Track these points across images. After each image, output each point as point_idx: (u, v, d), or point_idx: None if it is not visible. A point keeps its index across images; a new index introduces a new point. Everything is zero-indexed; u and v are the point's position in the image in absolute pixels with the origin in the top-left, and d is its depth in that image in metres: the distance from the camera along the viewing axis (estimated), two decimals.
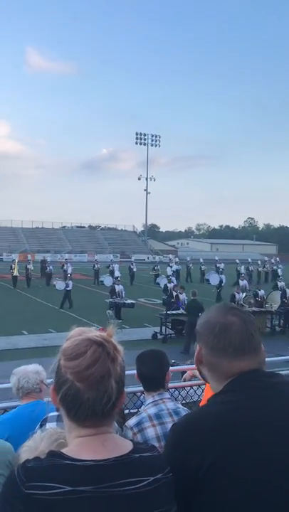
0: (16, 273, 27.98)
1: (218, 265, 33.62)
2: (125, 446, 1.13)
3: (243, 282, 21.77)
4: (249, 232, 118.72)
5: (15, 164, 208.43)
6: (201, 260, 37.89)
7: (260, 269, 35.44)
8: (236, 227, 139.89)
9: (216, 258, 38.52)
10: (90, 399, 1.08)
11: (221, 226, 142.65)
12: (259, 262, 38.13)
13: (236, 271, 33.98)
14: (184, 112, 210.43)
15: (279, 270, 31.51)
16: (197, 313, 14.55)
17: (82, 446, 1.09)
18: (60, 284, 21.87)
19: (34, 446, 1.40)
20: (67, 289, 20.56)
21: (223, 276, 24.50)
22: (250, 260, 38.71)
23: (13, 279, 27.87)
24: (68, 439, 1.16)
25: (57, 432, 1.42)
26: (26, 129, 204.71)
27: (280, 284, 21.49)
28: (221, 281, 22.82)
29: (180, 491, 1.16)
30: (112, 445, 1.11)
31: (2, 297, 23.44)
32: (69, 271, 24.74)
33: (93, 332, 1.16)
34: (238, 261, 36.36)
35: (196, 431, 1.21)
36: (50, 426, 1.98)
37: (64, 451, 1.10)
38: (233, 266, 36.16)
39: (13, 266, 28.48)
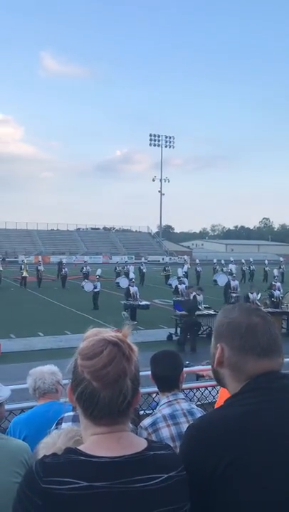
0: (25, 274, 28.80)
1: (229, 266, 33.38)
2: (140, 444, 1.16)
3: (234, 283, 21.67)
4: (264, 233, 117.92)
5: (29, 167, 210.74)
6: (215, 261, 37.71)
7: (266, 268, 35.04)
8: (251, 227, 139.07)
9: (231, 259, 38.29)
10: (106, 398, 1.11)
11: (236, 227, 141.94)
12: (266, 262, 37.61)
13: (241, 271, 33.81)
14: (197, 112, 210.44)
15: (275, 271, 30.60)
16: (193, 313, 14.74)
17: (97, 444, 1.12)
18: (88, 286, 21.92)
19: (51, 442, 1.44)
20: (96, 290, 20.71)
21: (230, 277, 24.18)
22: (266, 262, 38.25)
23: (22, 280, 28.74)
24: (84, 436, 1.19)
25: (74, 430, 1.46)
26: (40, 132, 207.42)
27: None
28: (228, 283, 22.58)
29: (195, 492, 1.17)
30: (127, 443, 1.13)
31: (17, 299, 23.74)
32: (98, 272, 24.65)
33: (109, 332, 1.19)
34: (243, 261, 36.16)
35: (213, 433, 1.21)
36: (66, 425, 2.02)
37: (80, 448, 1.13)
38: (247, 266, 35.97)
39: (23, 267, 29.36)
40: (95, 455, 1.08)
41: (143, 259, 38.58)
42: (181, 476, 1.14)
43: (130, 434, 1.18)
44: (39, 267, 29.74)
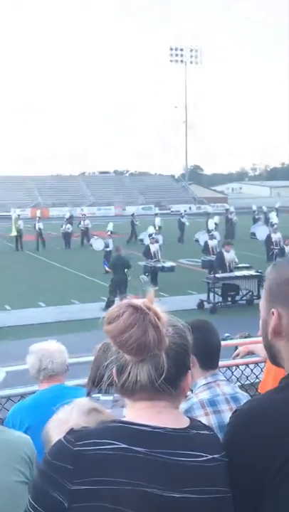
0: (14, 232, 28.83)
1: (270, 215, 32.77)
2: (183, 421, 1.27)
3: (276, 236, 21.52)
4: None
5: None
6: (254, 208, 37.03)
7: None
8: None
9: (277, 205, 37.59)
10: (139, 373, 1.23)
11: (283, 164, 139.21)
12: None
13: (253, 219, 33.62)
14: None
15: None
16: (122, 271, 14.98)
17: (136, 417, 1.24)
18: (98, 244, 22.00)
19: (64, 418, 1.53)
20: (107, 249, 20.85)
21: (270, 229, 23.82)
22: None
23: (15, 240, 28.84)
24: (127, 411, 1.33)
25: (87, 402, 1.52)
26: None
27: None
28: (269, 236, 22.23)
29: (243, 489, 1.20)
30: (168, 417, 1.25)
31: (11, 262, 24.10)
32: (109, 227, 24.51)
33: (135, 299, 1.28)
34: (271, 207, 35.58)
35: (267, 421, 1.22)
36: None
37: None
38: None
39: (12, 224, 29.22)
40: (136, 422, 1.21)
41: (183, 211, 37.40)
42: (224, 461, 1.23)
43: (172, 411, 1.28)
44: (38, 224, 29.40)
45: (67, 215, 33.31)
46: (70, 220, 32.04)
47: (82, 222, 30.82)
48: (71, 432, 1.22)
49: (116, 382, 1.29)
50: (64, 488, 1.15)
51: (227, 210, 35.56)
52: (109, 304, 14.16)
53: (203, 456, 1.20)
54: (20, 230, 29.03)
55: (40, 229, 29.33)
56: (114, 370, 1.29)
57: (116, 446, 1.15)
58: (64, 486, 1.15)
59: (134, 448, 1.15)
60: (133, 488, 1.12)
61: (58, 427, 1.53)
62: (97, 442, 1.16)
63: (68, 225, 30.12)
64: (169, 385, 1.24)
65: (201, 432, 1.27)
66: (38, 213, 32.89)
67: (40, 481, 1.21)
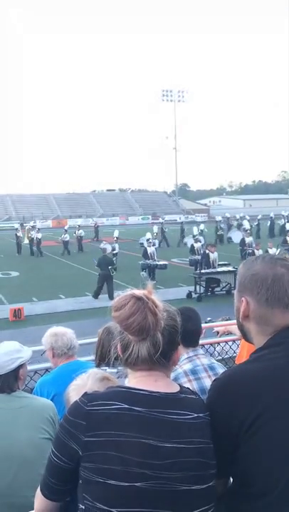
0: (26, 241, 28.04)
1: (243, 222, 32.71)
2: (174, 387, 1.30)
3: (248, 239, 21.36)
4: (283, 186, 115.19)
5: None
6: (228, 216, 37.14)
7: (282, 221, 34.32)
8: (269, 181, 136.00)
9: (242, 215, 37.51)
10: (139, 347, 1.25)
11: (254, 181, 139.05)
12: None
13: (227, 226, 33.46)
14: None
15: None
16: (107, 267, 15.29)
17: (137, 383, 1.27)
18: (106, 247, 22.03)
19: (82, 384, 1.56)
20: (114, 252, 20.86)
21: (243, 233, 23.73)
22: (284, 213, 37.63)
23: (29, 246, 27.61)
24: (128, 380, 1.34)
25: (100, 371, 1.56)
26: None
27: None
28: (243, 239, 22.27)
29: (221, 442, 1.21)
30: (163, 384, 1.28)
31: (36, 264, 24.01)
32: (115, 234, 24.49)
33: (137, 290, 1.29)
34: (243, 215, 35.36)
35: (240, 387, 1.22)
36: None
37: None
38: (265, 221, 35.44)
39: (22, 231, 28.11)
40: (136, 387, 1.24)
41: (160, 220, 37.54)
42: (207, 419, 1.25)
43: (166, 379, 1.31)
44: (78, 232, 28.84)
45: (79, 222, 33.13)
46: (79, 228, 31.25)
47: (76, 232, 29.40)
48: (85, 394, 1.25)
49: (121, 357, 1.31)
50: (79, 440, 1.18)
51: (218, 221, 34.73)
52: (97, 291, 15.14)
53: (190, 415, 1.22)
54: (32, 239, 27.76)
55: (80, 236, 28.61)
56: (119, 348, 1.31)
57: (120, 406, 1.18)
58: (79, 438, 1.18)
59: (135, 408, 1.18)
60: (133, 440, 1.14)
61: (76, 390, 1.56)
62: (104, 403, 1.19)
63: (81, 231, 29.41)
64: (163, 358, 1.27)
65: (189, 396, 1.29)
66: (79, 222, 32.94)
67: (60, 434, 1.23)
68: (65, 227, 30.55)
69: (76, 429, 1.19)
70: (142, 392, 1.22)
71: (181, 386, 1.32)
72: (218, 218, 35.53)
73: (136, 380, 1.28)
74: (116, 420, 1.16)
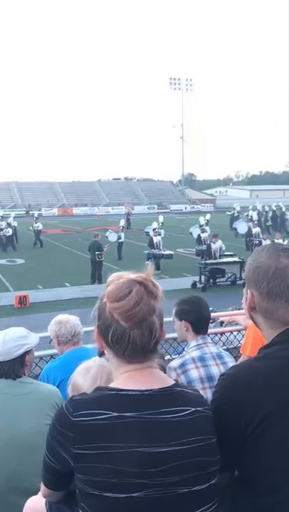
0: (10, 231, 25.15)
1: (250, 212, 32.40)
2: (168, 380, 1.21)
3: (256, 230, 21.18)
4: None
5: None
6: (234, 206, 36.88)
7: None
8: (277, 172, 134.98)
9: (257, 204, 37.25)
10: (137, 336, 1.14)
11: (261, 172, 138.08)
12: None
13: (231, 216, 33.00)
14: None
15: None
16: (94, 252, 16.25)
17: (129, 379, 1.17)
18: (112, 236, 22.07)
19: (87, 367, 1.61)
20: (120, 240, 20.96)
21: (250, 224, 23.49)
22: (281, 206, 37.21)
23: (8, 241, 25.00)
24: (116, 375, 1.22)
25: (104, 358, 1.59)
26: None
27: None
28: (249, 230, 22.10)
29: (227, 441, 1.18)
30: (156, 378, 1.19)
31: (42, 252, 24.03)
32: (121, 223, 24.50)
33: (131, 274, 1.20)
34: (254, 205, 34.99)
35: (248, 385, 1.20)
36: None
37: (111, 385, 1.18)
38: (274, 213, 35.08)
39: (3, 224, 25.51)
40: (126, 389, 1.14)
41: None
42: (207, 413, 1.18)
43: (159, 371, 1.23)
44: (36, 225, 26.11)
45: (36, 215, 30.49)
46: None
47: (33, 225, 26.71)
48: (71, 400, 1.16)
49: (113, 350, 1.19)
50: (69, 451, 1.11)
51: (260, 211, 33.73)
52: (92, 275, 16.41)
53: (186, 410, 1.14)
54: (38, 231, 26.17)
55: (38, 230, 26.06)
56: (109, 340, 1.17)
57: (108, 415, 1.09)
58: (69, 449, 1.11)
59: (124, 414, 1.09)
60: (126, 451, 1.07)
61: (81, 373, 1.58)
62: (91, 413, 1.10)
63: (38, 223, 26.41)
64: (157, 343, 1.20)
65: (186, 389, 1.21)
66: (36, 214, 30.57)
67: (50, 439, 1.17)
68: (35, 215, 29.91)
69: (65, 439, 1.12)
70: (131, 392, 1.13)
71: (176, 381, 1.24)
72: (251, 209, 34.60)
73: (127, 375, 1.18)
74: (105, 432, 1.08)
